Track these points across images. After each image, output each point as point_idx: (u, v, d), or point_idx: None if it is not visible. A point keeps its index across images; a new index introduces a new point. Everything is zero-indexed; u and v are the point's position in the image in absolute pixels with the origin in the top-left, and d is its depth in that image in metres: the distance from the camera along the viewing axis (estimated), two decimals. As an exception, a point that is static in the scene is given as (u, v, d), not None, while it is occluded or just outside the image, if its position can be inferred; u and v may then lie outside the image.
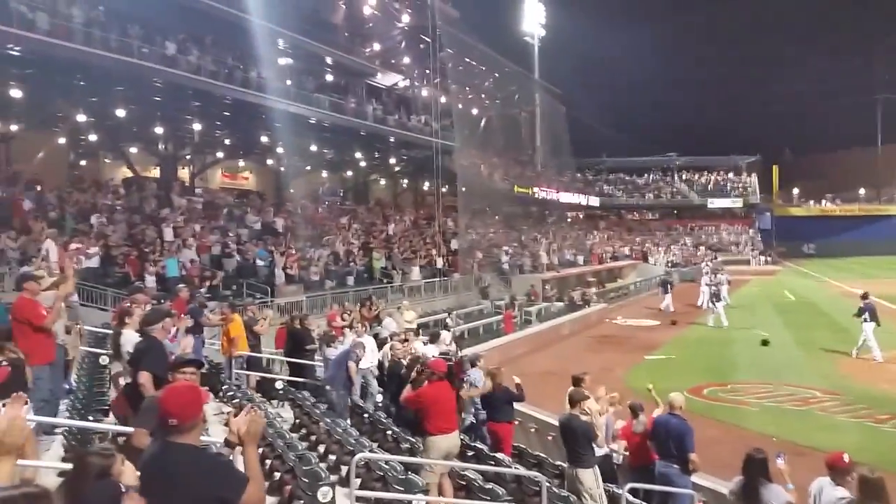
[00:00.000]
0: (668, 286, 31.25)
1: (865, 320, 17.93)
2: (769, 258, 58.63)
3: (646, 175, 71.08)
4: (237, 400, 8.13)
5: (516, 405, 9.91)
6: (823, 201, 72.33)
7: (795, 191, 76.39)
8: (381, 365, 10.90)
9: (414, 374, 8.59)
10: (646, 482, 7.99)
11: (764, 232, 66.23)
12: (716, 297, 25.39)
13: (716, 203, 67.50)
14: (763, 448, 6.11)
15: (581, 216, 62.77)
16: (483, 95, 49.65)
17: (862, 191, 73.50)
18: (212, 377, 9.13)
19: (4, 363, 4.32)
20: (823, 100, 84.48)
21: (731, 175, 70.56)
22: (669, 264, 48.93)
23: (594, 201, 63.99)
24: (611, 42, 74.73)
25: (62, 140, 24.74)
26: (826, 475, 5.62)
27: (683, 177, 70.77)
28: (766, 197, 71.10)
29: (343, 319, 12.35)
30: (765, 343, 20.75)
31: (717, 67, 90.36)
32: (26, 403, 4.00)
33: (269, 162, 33.31)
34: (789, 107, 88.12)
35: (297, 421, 9.02)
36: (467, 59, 44.30)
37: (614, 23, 76.51)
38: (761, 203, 69.34)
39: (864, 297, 18.57)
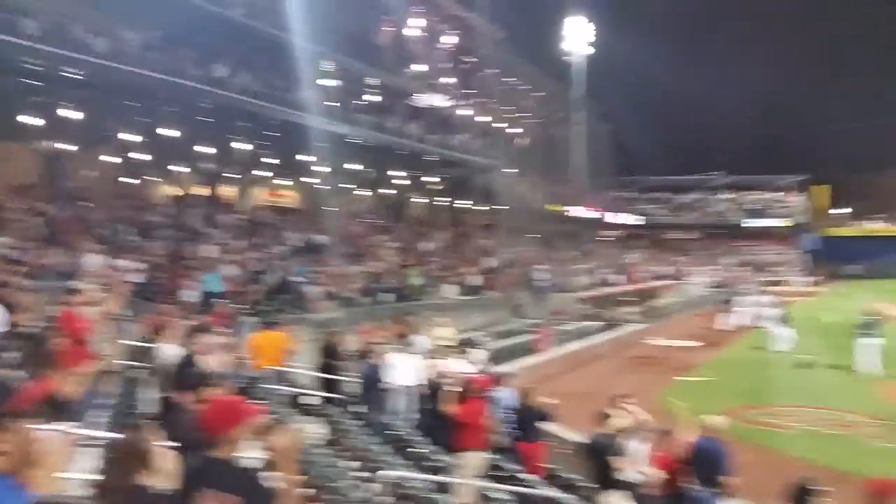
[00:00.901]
0: (727, 305, 31.03)
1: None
2: (814, 279, 57.20)
3: (689, 194, 70.17)
4: (271, 415, 8.28)
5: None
6: (874, 221, 70.12)
7: (845, 211, 74.28)
8: (417, 381, 10.95)
9: (454, 390, 8.65)
10: (679, 506, 7.89)
11: (810, 252, 64.58)
12: (778, 319, 24.86)
13: (760, 222, 66.22)
14: (812, 477, 6.01)
15: (620, 235, 62.20)
16: (525, 114, 49.81)
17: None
18: (245, 392, 9.32)
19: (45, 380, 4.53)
20: (876, 119, 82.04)
21: (779, 194, 69.23)
22: (712, 285, 48.11)
23: (635, 220, 63.33)
24: (659, 61, 73.81)
25: (112, 159, 25.59)
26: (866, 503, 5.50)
27: (728, 196, 69.65)
28: (815, 216, 69.37)
29: (377, 336, 12.46)
30: (806, 366, 20.26)
31: (766, 86, 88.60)
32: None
33: (311, 180, 33.90)
34: (840, 126, 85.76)
35: (330, 436, 9.14)
36: (510, 78, 44.60)
37: (663, 42, 75.64)
38: (808, 223, 67.71)
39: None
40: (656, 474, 8.37)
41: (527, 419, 9.51)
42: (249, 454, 3.53)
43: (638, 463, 8.31)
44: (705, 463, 7.90)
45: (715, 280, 50.30)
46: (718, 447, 7.99)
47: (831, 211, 73.97)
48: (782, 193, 69.39)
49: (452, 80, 37.63)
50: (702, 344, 25.59)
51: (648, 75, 73.50)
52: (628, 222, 63.14)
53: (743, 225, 66.80)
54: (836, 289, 53.11)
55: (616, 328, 28.00)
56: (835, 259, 62.89)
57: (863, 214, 71.61)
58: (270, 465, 3.40)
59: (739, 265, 59.32)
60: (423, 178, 38.67)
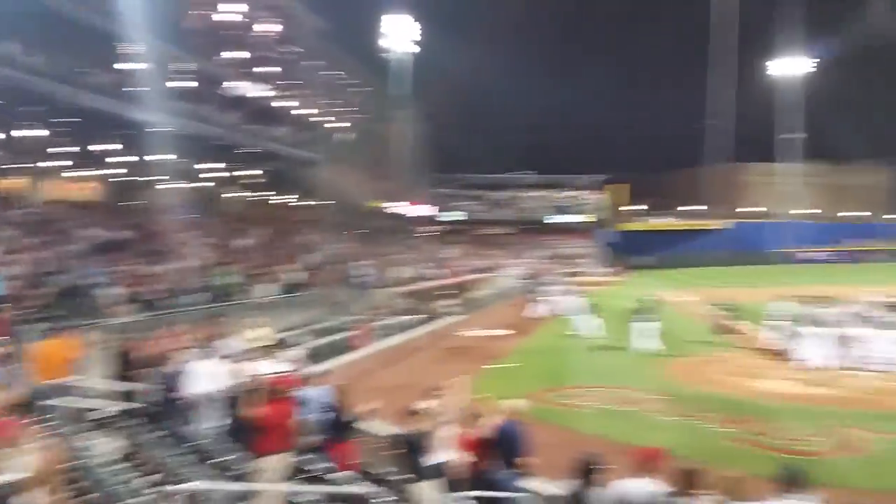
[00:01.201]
0: (535, 295, 33.09)
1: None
2: (612, 270, 62.67)
3: (503, 191, 74.08)
4: (54, 432, 7.62)
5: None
6: (664, 217, 78.20)
7: (641, 207, 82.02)
8: (222, 386, 10.55)
9: (257, 392, 8.43)
10: (483, 489, 8.26)
11: (609, 245, 70.74)
12: (580, 307, 26.82)
13: (567, 218, 71.57)
14: (595, 453, 6.53)
15: (438, 230, 64.15)
16: (349, 109, 49.58)
17: (698, 206, 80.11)
18: (28, 407, 8.48)
19: None
20: (668, 124, 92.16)
21: (582, 192, 75.00)
22: (523, 277, 50.90)
23: (452, 216, 65.70)
24: (481, 64, 76.55)
25: None
26: (636, 471, 6.09)
27: (538, 193, 74.44)
28: (615, 212, 76.09)
29: (180, 341, 11.82)
30: (603, 350, 22.29)
31: (574, 92, 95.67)
32: None
33: (113, 172, 31.35)
34: (637, 131, 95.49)
35: (125, 450, 8.57)
36: (334, 72, 44.19)
37: (486, 46, 78.62)
38: (609, 218, 74.15)
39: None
40: (463, 457, 8.76)
41: (340, 417, 9.51)
42: (7, 473, 3.26)
43: (446, 446, 8.64)
44: (507, 445, 8.34)
45: (525, 272, 53.28)
46: (518, 429, 8.48)
47: (629, 207, 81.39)
48: (585, 191, 75.24)
49: (272, 70, 36.58)
50: (513, 332, 27.09)
51: (469, 77, 76.45)
52: (448, 218, 65.30)
53: (550, 221, 71.78)
54: (631, 278, 58.50)
55: (435, 321, 28.87)
56: (630, 251, 69.41)
57: (657, 210, 79.62)
58: (31, 484, 3.17)
59: (548, 258, 63.44)
60: (240, 171, 37.24)
